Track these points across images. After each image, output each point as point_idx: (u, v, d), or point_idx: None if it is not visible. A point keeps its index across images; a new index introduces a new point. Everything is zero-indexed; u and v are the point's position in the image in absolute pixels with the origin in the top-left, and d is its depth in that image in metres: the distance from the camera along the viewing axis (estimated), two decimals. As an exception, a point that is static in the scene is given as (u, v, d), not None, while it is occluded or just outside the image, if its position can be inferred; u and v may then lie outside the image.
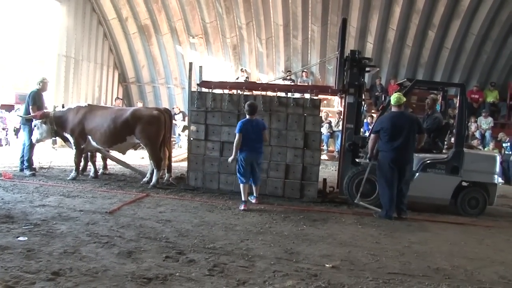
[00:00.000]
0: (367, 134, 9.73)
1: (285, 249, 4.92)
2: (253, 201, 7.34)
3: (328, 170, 12.53)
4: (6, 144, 14.59)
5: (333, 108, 16.50)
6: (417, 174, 7.57)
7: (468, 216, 7.52)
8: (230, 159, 7.15)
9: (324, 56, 16.25)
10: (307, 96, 8.45)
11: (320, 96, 8.62)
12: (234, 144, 7.03)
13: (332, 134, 15.19)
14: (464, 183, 7.73)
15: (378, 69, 15.16)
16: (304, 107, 8.12)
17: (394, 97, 7.05)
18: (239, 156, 7.07)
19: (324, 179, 8.48)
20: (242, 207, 6.90)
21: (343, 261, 4.63)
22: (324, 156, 13.96)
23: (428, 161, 7.61)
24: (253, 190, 7.38)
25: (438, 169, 7.58)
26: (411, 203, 7.34)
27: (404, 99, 7.10)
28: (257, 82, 15.45)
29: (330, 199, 8.10)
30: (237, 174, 7.22)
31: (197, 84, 8.62)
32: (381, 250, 5.14)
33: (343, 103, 9.25)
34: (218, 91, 8.55)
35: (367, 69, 8.46)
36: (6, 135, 15.02)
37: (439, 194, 7.63)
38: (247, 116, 7.10)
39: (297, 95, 9.73)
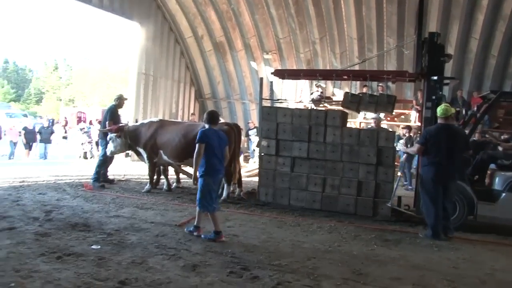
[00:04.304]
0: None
1: (353, 269, 4.70)
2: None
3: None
4: (91, 157, 15.58)
5: (410, 123, 15.80)
6: (504, 194, 6.94)
7: None
8: (193, 181, 5.72)
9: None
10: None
11: (397, 111, 8.31)
12: (195, 158, 5.50)
13: (409, 150, 14.53)
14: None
15: (458, 81, 14.34)
16: (377, 103, 7.91)
17: (440, 109, 6.53)
18: (204, 178, 5.55)
19: (399, 197, 8.07)
20: (199, 233, 5.65)
21: (415, 285, 4.32)
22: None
23: (516, 180, 6.96)
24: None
25: (528, 189, 6.91)
26: (497, 226, 6.73)
27: (453, 110, 6.62)
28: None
29: (405, 218, 7.67)
30: (202, 201, 5.56)
31: (271, 73, 8.85)
32: (458, 276, 4.72)
33: (420, 118, 8.79)
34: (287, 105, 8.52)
35: (446, 81, 7.99)
36: (91, 149, 16.06)
37: (530, 216, 6.93)
38: (206, 126, 5.73)
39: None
